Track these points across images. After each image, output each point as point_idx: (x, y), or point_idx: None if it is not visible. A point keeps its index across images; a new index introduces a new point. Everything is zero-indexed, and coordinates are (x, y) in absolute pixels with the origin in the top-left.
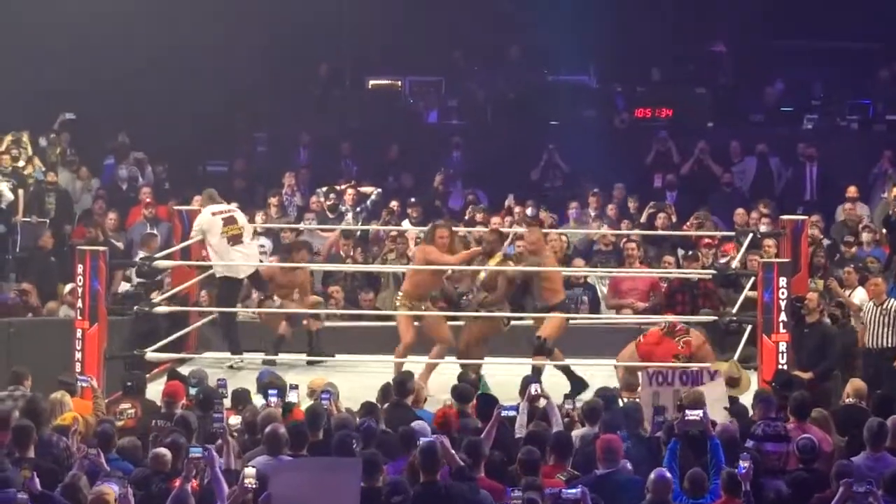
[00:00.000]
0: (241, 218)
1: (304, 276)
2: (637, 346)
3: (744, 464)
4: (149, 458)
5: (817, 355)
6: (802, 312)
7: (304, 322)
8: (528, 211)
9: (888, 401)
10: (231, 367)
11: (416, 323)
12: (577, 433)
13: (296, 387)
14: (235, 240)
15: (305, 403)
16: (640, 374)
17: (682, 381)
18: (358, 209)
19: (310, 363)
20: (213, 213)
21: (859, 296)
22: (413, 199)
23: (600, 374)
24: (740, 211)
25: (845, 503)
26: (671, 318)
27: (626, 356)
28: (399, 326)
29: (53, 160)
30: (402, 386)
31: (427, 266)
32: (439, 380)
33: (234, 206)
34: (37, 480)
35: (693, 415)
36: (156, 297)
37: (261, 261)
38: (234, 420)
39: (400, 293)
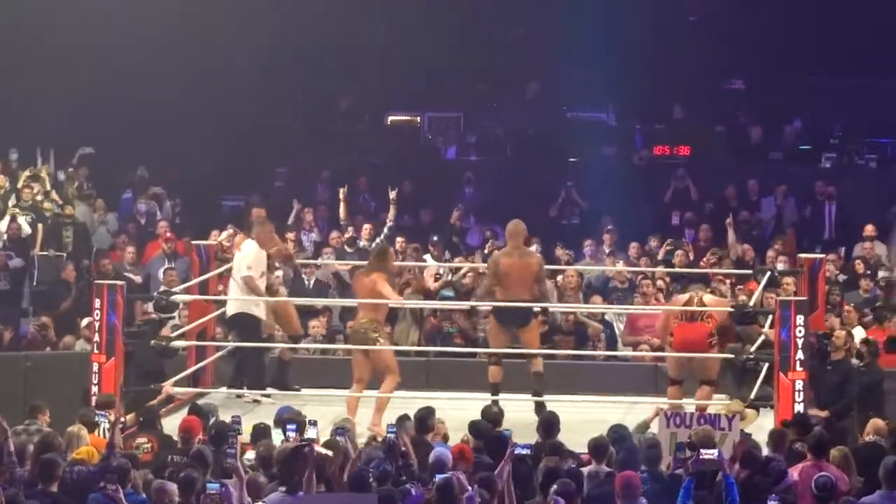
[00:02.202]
0: (239, 256)
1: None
2: (671, 345)
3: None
4: (152, 492)
5: (837, 393)
6: (828, 349)
7: (278, 352)
8: (535, 248)
9: None
10: (255, 400)
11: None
12: (586, 470)
13: (315, 422)
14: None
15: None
16: (658, 412)
17: (699, 423)
18: (376, 241)
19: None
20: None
21: (858, 335)
22: (436, 238)
23: (616, 411)
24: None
25: None
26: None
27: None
28: (388, 359)
29: (72, 194)
30: (422, 422)
31: (375, 298)
32: (461, 415)
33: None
34: None
35: (708, 454)
36: (168, 332)
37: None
38: (250, 455)
39: (374, 323)
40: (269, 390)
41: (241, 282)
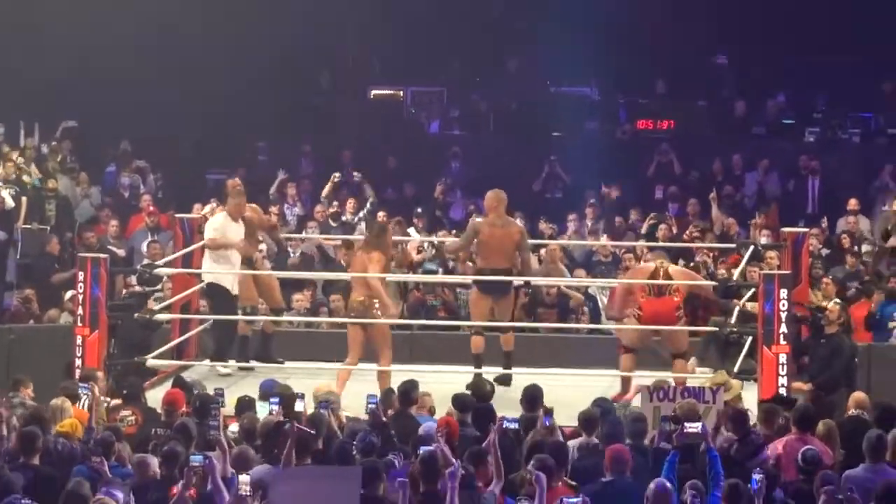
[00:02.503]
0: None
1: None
2: (640, 319)
3: (756, 477)
4: (133, 464)
5: (827, 366)
6: (822, 323)
7: (261, 325)
8: (518, 222)
9: (889, 412)
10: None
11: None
12: (573, 443)
13: (302, 396)
14: None
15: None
16: (639, 390)
17: (683, 397)
18: (359, 216)
19: (243, 369)
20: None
21: None
22: (420, 210)
23: (600, 384)
24: (730, 221)
25: None
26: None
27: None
28: (388, 333)
29: (53, 168)
30: (406, 395)
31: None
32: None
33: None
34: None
35: (692, 427)
36: (152, 305)
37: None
38: (234, 427)
39: (371, 300)
40: (253, 363)
41: (207, 250)
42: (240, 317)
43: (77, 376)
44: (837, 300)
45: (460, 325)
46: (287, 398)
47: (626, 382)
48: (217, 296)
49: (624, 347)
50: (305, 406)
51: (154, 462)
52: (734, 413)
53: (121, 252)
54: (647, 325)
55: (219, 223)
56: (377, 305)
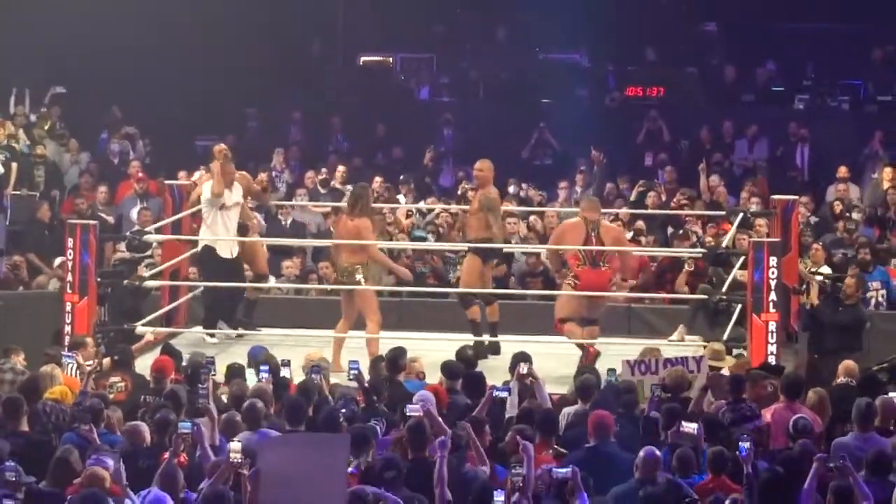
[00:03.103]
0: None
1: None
2: (575, 287)
3: (744, 445)
4: (124, 432)
5: (848, 336)
6: (839, 295)
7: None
8: (511, 189)
9: (873, 379)
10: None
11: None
12: (568, 410)
13: (287, 363)
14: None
15: (300, 377)
16: (621, 362)
17: (667, 369)
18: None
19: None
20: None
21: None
22: (403, 177)
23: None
24: (721, 189)
25: (820, 479)
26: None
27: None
28: (371, 299)
29: (39, 135)
30: (394, 362)
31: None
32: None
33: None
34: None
35: (688, 427)
36: (142, 271)
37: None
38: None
39: (358, 266)
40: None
41: (215, 215)
42: (228, 284)
43: (66, 343)
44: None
45: (449, 292)
46: (275, 366)
47: (585, 347)
48: (209, 262)
49: (561, 319)
50: (291, 373)
51: (145, 429)
52: (732, 378)
53: (110, 219)
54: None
55: (214, 182)
56: (360, 272)
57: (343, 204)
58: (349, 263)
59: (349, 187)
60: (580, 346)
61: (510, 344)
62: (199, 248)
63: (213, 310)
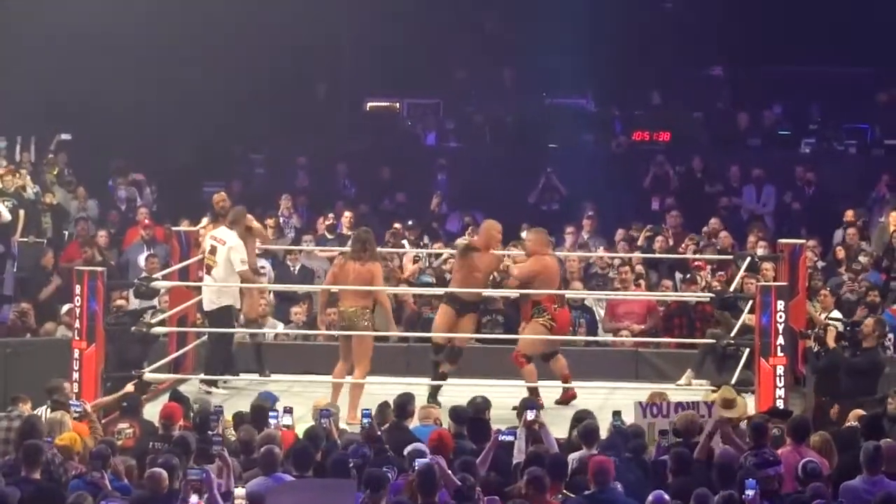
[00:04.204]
0: (224, 253)
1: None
2: (552, 330)
3: (750, 492)
4: (145, 479)
5: (864, 379)
6: (858, 338)
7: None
8: (524, 234)
9: (876, 423)
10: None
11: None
12: (574, 456)
13: (290, 410)
14: (207, 269)
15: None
16: (634, 404)
17: (677, 412)
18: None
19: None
20: (212, 236)
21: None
22: (410, 222)
23: (595, 397)
24: (724, 234)
25: None
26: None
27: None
28: (368, 349)
29: (51, 180)
30: (402, 408)
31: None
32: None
33: (231, 236)
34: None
35: None
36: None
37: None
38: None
39: (367, 310)
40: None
41: (236, 276)
42: (238, 330)
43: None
44: (873, 315)
45: (456, 337)
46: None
47: (536, 391)
48: (226, 317)
49: (528, 357)
50: (294, 420)
51: (165, 476)
52: (754, 425)
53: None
54: (558, 335)
55: (242, 250)
56: (367, 317)
57: (346, 249)
58: (357, 307)
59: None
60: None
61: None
62: (217, 306)
63: (222, 360)
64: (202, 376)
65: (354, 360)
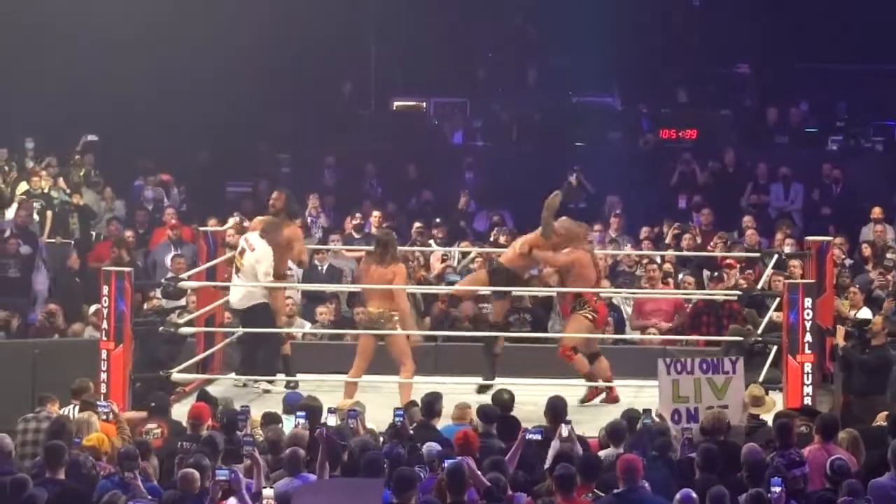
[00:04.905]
0: (250, 260)
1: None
2: (595, 322)
3: (776, 489)
4: (178, 480)
5: (876, 377)
6: (867, 336)
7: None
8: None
9: None
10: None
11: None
12: (601, 454)
13: (334, 410)
14: (236, 269)
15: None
16: (658, 361)
17: (703, 369)
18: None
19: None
20: (245, 238)
21: (865, 316)
22: (438, 220)
23: (624, 395)
24: (751, 231)
25: None
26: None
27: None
28: (406, 345)
29: (77, 181)
30: (430, 407)
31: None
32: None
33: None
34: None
35: None
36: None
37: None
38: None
39: (394, 312)
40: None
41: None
42: (266, 329)
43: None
44: (881, 312)
45: (484, 335)
46: (313, 411)
47: (592, 376)
48: (265, 316)
49: (574, 350)
50: (336, 419)
51: (196, 475)
52: (780, 424)
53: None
54: (599, 328)
55: (268, 260)
56: (396, 318)
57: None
58: (384, 309)
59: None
60: (594, 384)
61: (547, 388)
62: (252, 303)
63: (266, 358)
64: (259, 376)
65: (397, 360)
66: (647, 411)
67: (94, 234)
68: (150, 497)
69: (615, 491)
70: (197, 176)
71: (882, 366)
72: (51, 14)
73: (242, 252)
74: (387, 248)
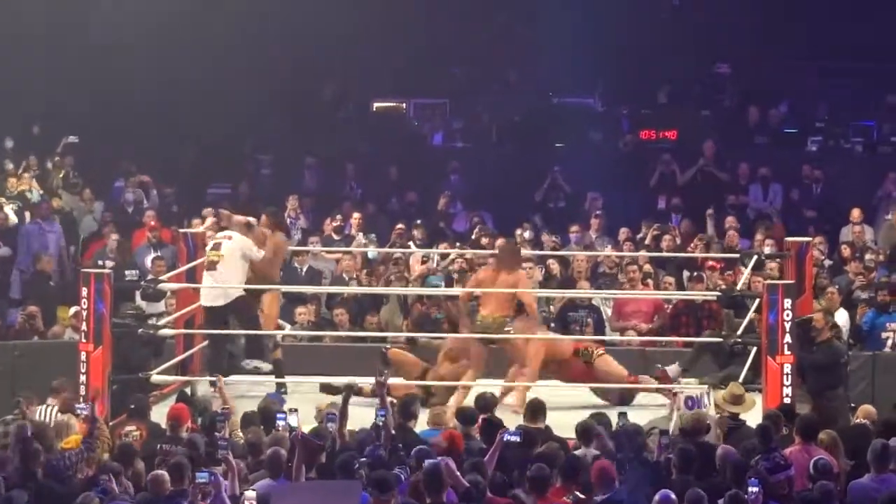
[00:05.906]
0: (229, 247)
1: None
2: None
3: (753, 489)
4: (148, 482)
5: (826, 374)
6: (811, 334)
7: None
8: (526, 234)
9: (891, 426)
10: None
11: None
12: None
13: (295, 410)
14: (210, 265)
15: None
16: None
17: (688, 406)
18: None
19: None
20: (215, 234)
21: (842, 317)
22: (419, 221)
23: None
24: (731, 232)
25: None
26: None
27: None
28: (533, 347)
29: (57, 184)
30: (405, 409)
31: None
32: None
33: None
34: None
35: None
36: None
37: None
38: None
39: (508, 318)
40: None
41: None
42: (243, 332)
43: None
44: (824, 309)
45: (465, 337)
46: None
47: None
48: (247, 306)
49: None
50: (299, 421)
51: (168, 479)
52: (761, 427)
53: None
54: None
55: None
56: (508, 326)
57: (355, 249)
58: (500, 315)
59: (361, 234)
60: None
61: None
62: (232, 298)
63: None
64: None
65: (525, 361)
66: (622, 414)
67: (81, 236)
68: (127, 498)
69: (596, 499)
70: (178, 178)
71: (832, 362)
72: (32, 14)
73: (218, 245)
74: (510, 257)
